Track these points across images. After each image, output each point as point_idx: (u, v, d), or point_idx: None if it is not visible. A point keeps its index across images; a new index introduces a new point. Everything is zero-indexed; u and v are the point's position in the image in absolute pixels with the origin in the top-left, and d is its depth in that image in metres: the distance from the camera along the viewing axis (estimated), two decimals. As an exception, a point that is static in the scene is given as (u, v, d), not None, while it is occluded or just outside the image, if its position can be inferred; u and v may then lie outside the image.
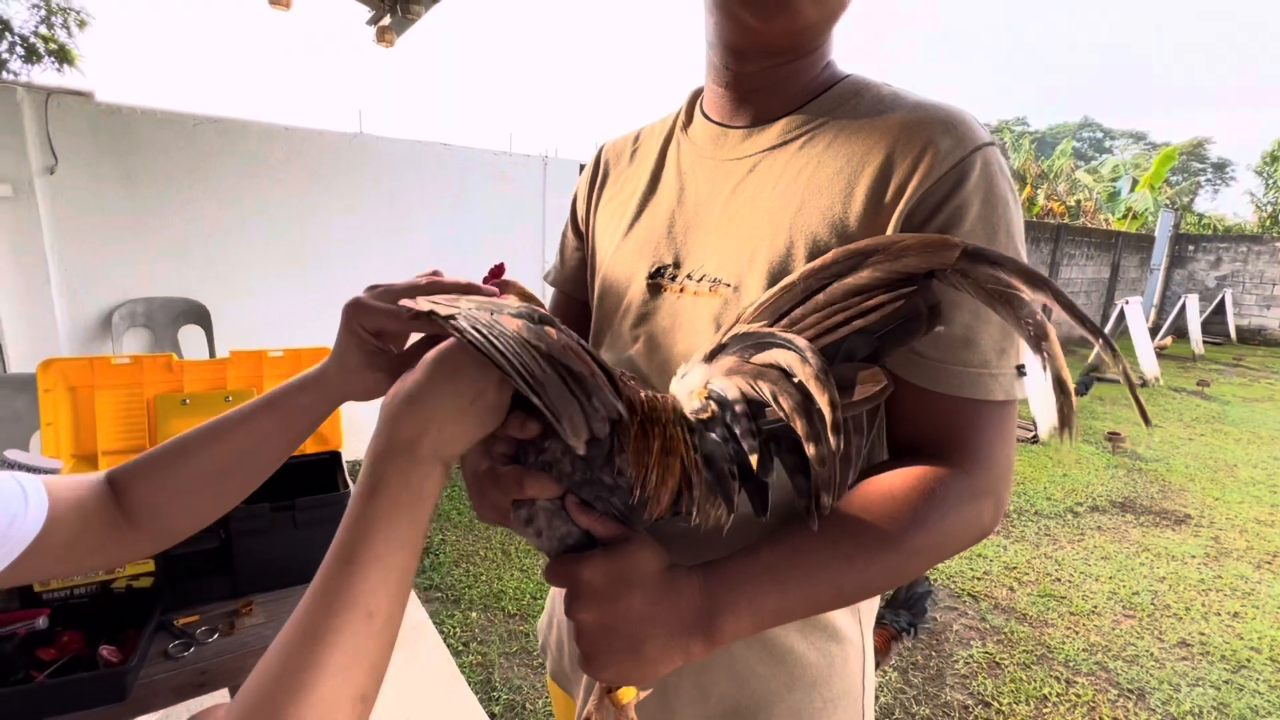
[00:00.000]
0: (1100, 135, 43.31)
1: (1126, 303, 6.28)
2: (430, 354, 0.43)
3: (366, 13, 3.85)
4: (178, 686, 0.86)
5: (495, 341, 0.37)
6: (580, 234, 0.75)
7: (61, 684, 0.77)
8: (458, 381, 0.41)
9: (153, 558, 0.94)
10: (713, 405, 0.43)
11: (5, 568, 0.46)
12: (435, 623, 2.25)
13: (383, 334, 0.52)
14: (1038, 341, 0.37)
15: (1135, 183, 14.66)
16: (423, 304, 0.42)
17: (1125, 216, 14.03)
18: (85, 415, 1.02)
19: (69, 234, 2.93)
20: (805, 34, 0.54)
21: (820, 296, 0.42)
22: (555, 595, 0.78)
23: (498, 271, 0.60)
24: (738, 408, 0.42)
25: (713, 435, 0.42)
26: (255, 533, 0.98)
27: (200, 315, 3.23)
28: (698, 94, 0.66)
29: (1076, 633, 2.43)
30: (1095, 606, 2.61)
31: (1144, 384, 6.81)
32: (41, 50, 8.91)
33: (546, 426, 0.44)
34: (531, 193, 4.15)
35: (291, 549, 1.00)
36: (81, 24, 9.18)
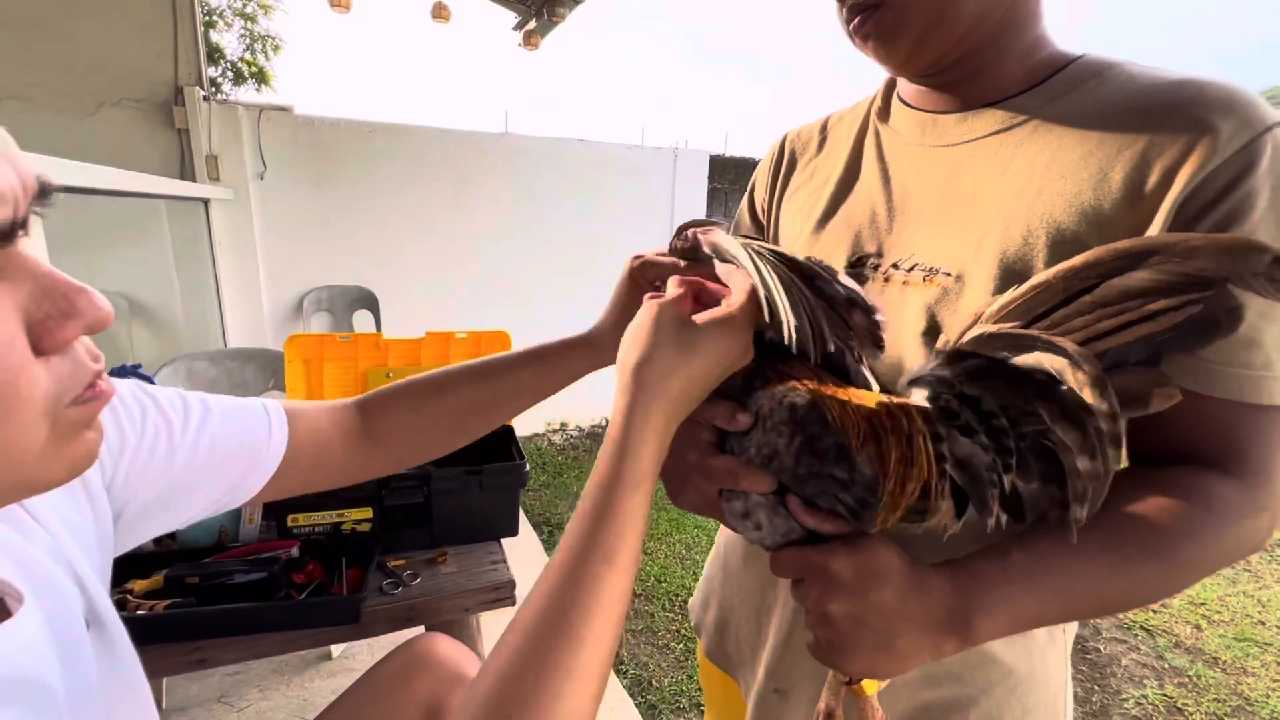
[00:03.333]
0: (1330, 98, 35.58)
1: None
2: (645, 312, 0.44)
3: (514, 19, 4.11)
4: (392, 618, 1.00)
5: (768, 268, 0.41)
6: (759, 223, 0.75)
7: (315, 603, 0.93)
8: (715, 326, 0.43)
9: (371, 507, 1.09)
10: (966, 411, 0.42)
11: (261, 488, 0.53)
12: (570, 593, 2.39)
13: (663, 281, 0.55)
14: None
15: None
16: (703, 232, 0.46)
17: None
18: (316, 382, 1.21)
19: (273, 231, 3.43)
20: (940, 57, 0.52)
21: (1088, 298, 0.39)
22: (712, 575, 0.79)
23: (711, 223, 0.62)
24: (996, 412, 0.40)
25: (968, 440, 0.41)
26: (450, 493, 1.12)
27: (370, 301, 3.65)
28: (892, 83, 0.64)
29: (1287, 687, 2.07)
30: (1314, 660, 2.21)
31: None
32: (245, 74, 10.46)
33: (760, 414, 0.45)
34: (662, 184, 4.22)
35: (479, 508, 1.13)
36: (276, 49, 10.66)
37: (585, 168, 3.99)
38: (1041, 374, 0.39)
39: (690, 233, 0.53)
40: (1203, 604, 2.51)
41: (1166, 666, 2.16)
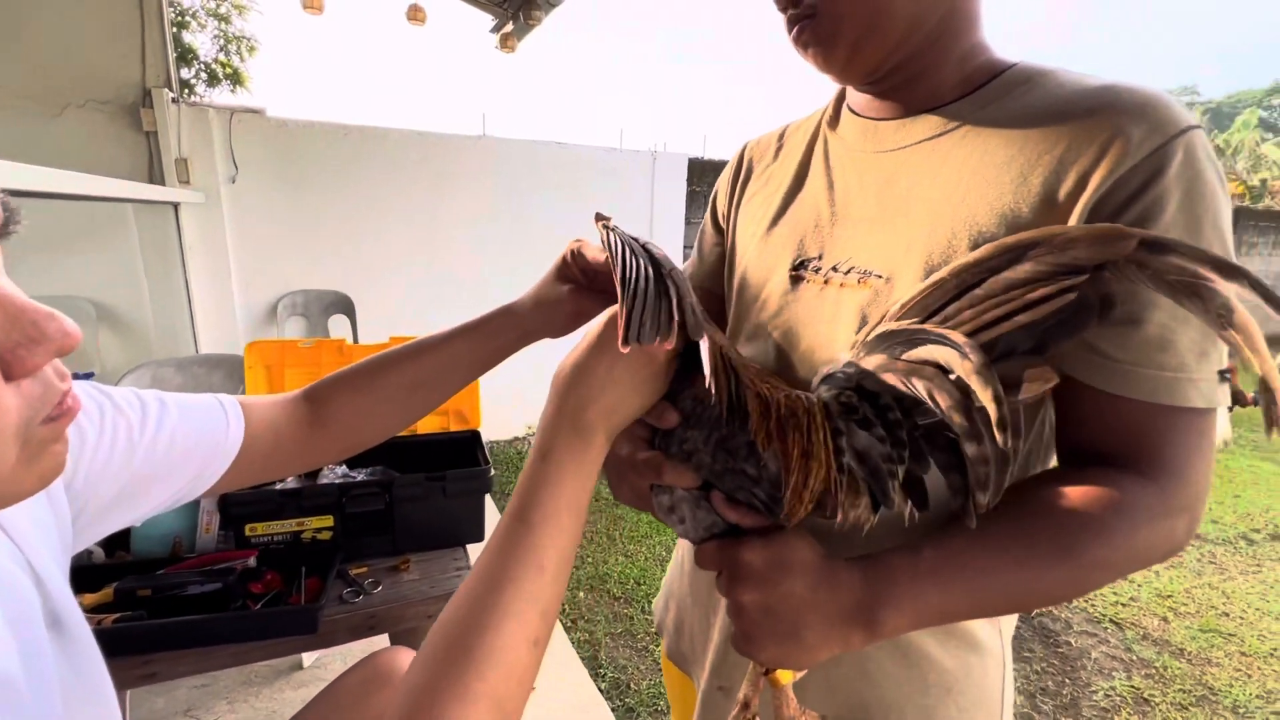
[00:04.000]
0: (1296, 102, 36.61)
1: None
2: (596, 326, 0.46)
3: (490, 21, 4.10)
4: (352, 627, 0.99)
5: (621, 244, 0.41)
6: (720, 229, 0.76)
7: (270, 614, 0.92)
8: (631, 356, 0.43)
9: (331, 515, 1.08)
10: (864, 405, 0.43)
11: (218, 479, 0.56)
12: (547, 597, 2.38)
13: (590, 274, 0.57)
14: (1234, 338, 0.34)
15: (1343, 156, 12.31)
16: (601, 225, 0.47)
17: (1327, 197, 11.82)
18: (277, 389, 1.19)
19: (246, 235, 3.38)
20: (878, 64, 0.53)
21: (977, 292, 0.41)
22: (673, 577, 0.80)
23: None
24: (891, 405, 0.41)
25: (865, 433, 0.42)
26: (412, 499, 1.11)
27: (346, 305, 3.61)
28: (843, 92, 0.66)
29: (1249, 676, 2.12)
30: (1275, 649, 2.26)
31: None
32: (220, 75, 10.30)
33: (686, 417, 0.47)
34: (641, 187, 4.22)
35: (442, 515, 1.13)
36: (251, 50, 10.51)
37: (563, 170, 3.98)
38: (932, 365, 0.40)
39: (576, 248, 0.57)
40: (1170, 596, 2.57)
41: (1134, 658, 2.21)
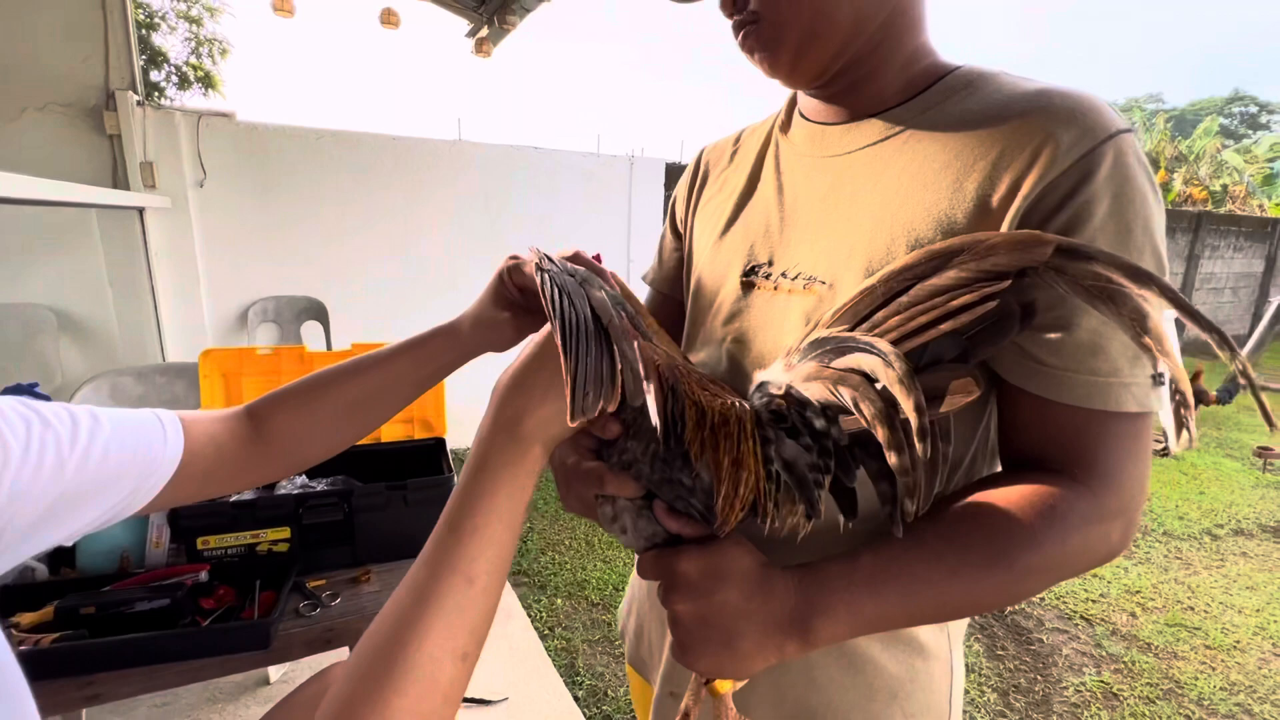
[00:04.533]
0: (1255, 110, 37.90)
1: (1284, 299, 5.48)
2: (538, 337, 0.45)
3: (466, 26, 4.08)
4: (309, 641, 0.96)
5: (558, 293, 0.40)
6: (679, 234, 0.76)
7: (220, 629, 0.89)
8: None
9: (288, 527, 1.06)
10: (793, 412, 0.42)
11: (155, 496, 0.54)
12: (523, 606, 2.36)
13: (525, 290, 0.56)
14: (1145, 340, 0.34)
15: (1299, 162, 12.74)
16: (536, 254, 0.45)
17: (1285, 201, 12.23)
18: (235, 398, 1.16)
19: (214, 240, 3.32)
20: (824, 68, 0.54)
21: (904, 299, 0.41)
22: (635, 583, 0.80)
23: (596, 260, 0.63)
24: (818, 414, 0.41)
25: (793, 442, 0.42)
26: (373, 509, 1.09)
27: (319, 311, 3.55)
28: (795, 97, 0.66)
29: (1213, 669, 2.17)
30: (1238, 641, 2.32)
31: (1306, 393, 5.93)
32: (191, 78, 10.12)
33: (627, 427, 0.46)
34: (618, 191, 4.23)
35: (403, 525, 1.10)
36: (224, 53, 10.35)
37: (540, 175, 3.97)
38: (859, 374, 0.40)
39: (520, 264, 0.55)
40: (1138, 592, 2.62)
41: (1104, 654, 2.24)
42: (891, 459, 0.38)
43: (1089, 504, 0.43)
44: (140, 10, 8.86)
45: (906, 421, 0.37)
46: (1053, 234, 0.37)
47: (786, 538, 0.44)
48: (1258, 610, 2.51)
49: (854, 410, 0.39)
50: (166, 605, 0.88)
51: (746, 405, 0.45)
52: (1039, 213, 0.44)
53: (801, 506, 0.42)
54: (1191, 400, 0.35)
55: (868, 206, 0.52)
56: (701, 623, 0.44)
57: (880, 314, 0.41)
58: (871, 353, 0.39)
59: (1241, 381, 0.34)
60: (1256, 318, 8.54)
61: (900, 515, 0.40)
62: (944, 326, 0.38)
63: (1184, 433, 0.35)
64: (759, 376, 0.48)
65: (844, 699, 0.56)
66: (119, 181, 2.99)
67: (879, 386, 0.38)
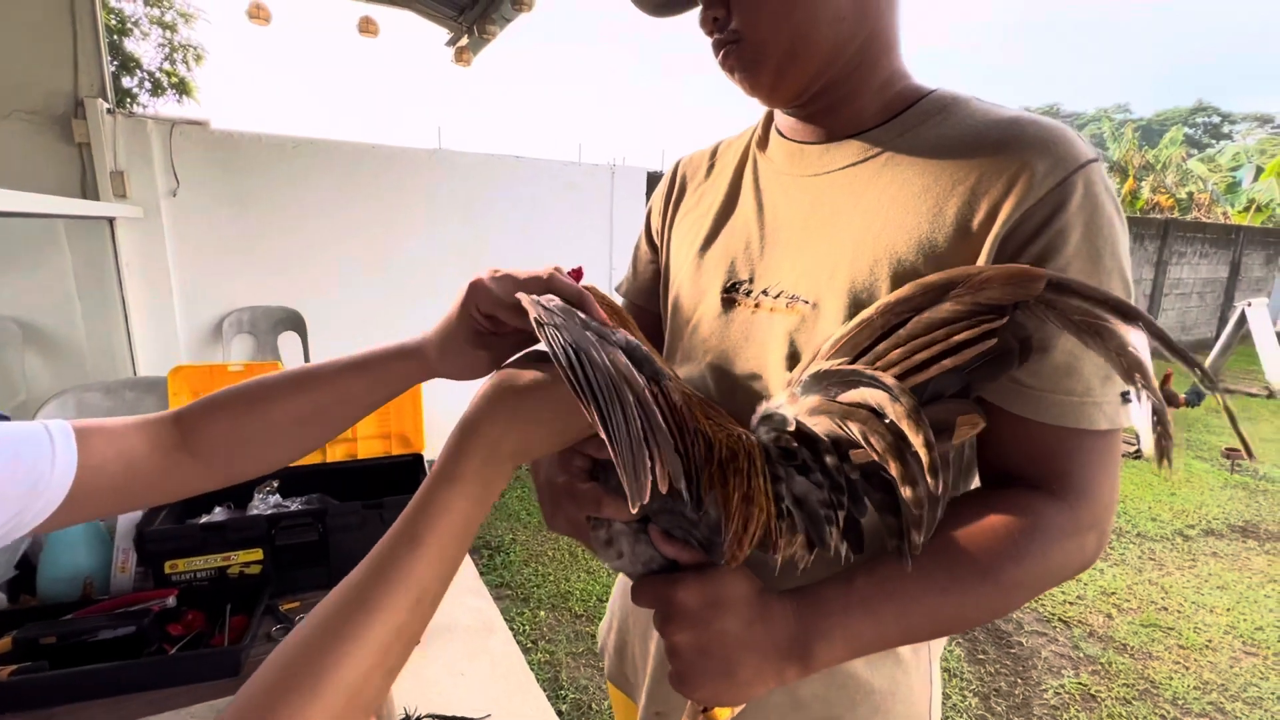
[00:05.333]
0: (1217, 120, 39.20)
1: (1249, 304, 5.64)
2: (523, 355, 0.44)
3: (446, 35, 4.07)
4: (282, 666, 0.94)
5: (582, 370, 0.35)
6: (655, 246, 0.76)
7: (188, 657, 0.86)
8: (557, 393, 0.41)
9: (260, 548, 1.03)
10: (803, 449, 0.43)
11: (48, 517, 0.49)
12: (505, 620, 2.33)
13: (494, 318, 0.51)
14: (1131, 374, 0.36)
15: (1260, 171, 13.18)
16: (529, 304, 0.41)
17: (1248, 209, 12.65)
18: (205, 416, 1.14)
19: (188, 250, 3.25)
20: (803, 88, 0.54)
21: (902, 331, 0.42)
22: (617, 599, 0.80)
23: (576, 275, 0.59)
24: (827, 448, 0.42)
25: (803, 478, 0.42)
26: (348, 528, 1.06)
27: (297, 322, 3.49)
28: (771, 113, 0.66)
29: (1187, 668, 2.21)
30: (1210, 640, 2.37)
31: (1270, 395, 6.11)
32: (165, 84, 9.95)
33: None
34: (599, 201, 4.23)
35: (380, 544, 1.08)
36: (199, 59, 10.19)
37: (521, 184, 3.96)
38: (866, 408, 0.40)
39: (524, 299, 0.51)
40: (1114, 593, 2.67)
41: (1081, 655, 2.28)
42: (906, 493, 0.39)
43: (1067, 518, 0.45)
44: (112, 16, 8.69)
45: (917, 455, 0.38)
46: (1036, 266, 0.39)
47: (782, 566, 0.44)
48: (1228, 609, 2.57)
49: (864, 444, 0.39)
50: (132, 633, 0.85)
51: (753, 438, 0.45)
52: (1016, 239, 0.45)
53: (801, 537, 0.42)
54: (1172, 431, 0.37)
55: (849, 227, 0.53)
56: (701, 652, 0.43)
57: (881, 345, 0.42)
58: (878, 387, 0.40)
59: (1222, 411, 0.36)
60: (1222, 321, 8.81)
61: (909, 548, 0.40)
62: (947, 363, 0.40)
63: (1164, 460, 0.36)
64: (762, 409, 0.48)
65: (827, 713, 0.56)
66: (88, 191, 2.92)
67: (887, 421, 0.39)
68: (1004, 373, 0.40)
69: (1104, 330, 0.37)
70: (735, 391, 0.58)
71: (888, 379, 0.40)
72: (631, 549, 0.46)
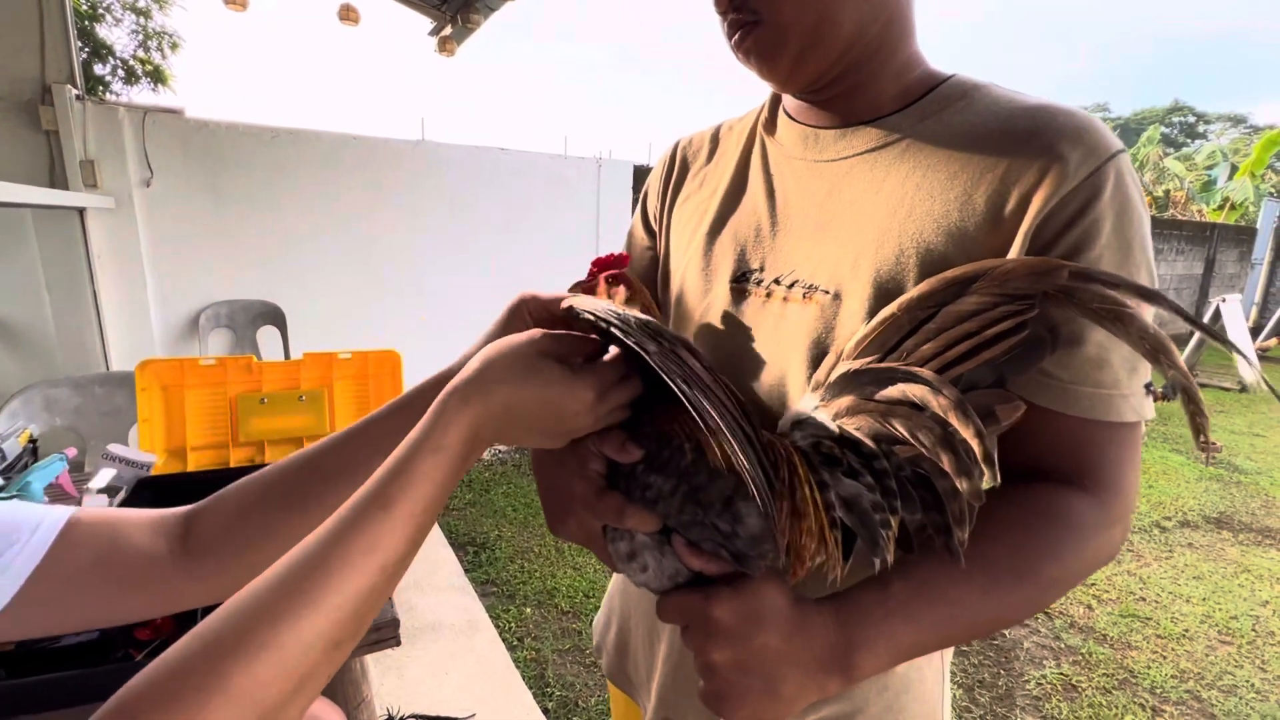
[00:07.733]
0: (1193, 120, 39.97)
1: (1223, 300, 5.76)
2: (534, 333, 0.43)
3: (429, 24, 4.00)
4: (256, 670, 0.91)
5: (684, 383, 0.36)
6: (651, 231, 0.73)
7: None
8: (560, 386, 0.41)
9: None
10: (848, 453, 0.41)
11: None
12: (490, 617, 2.30)
13: (546, 322, 0.50)
14: (1155, 355, 0.36)
15: (1234, 170, 13.47)
16: (599, 308, 0.40)
17: (1222, 207, 12.92)
18: (176, 412, 1.10)
19: (162, 242, 3.17)
20: (821, 74, 0.53)
21: (930, 325, 0.41)
22: (616, 595, 0.76)
23: (621, 261, 0.56)
24: (873, 451, 0.40)
25: (851, 481, 0.41)
26: (326, 527, 1.03)
27: (276, 316, 3.43)
28: (778, 96, 0.64)
29: (1164, 657, 2.25)
30: (1186, 630, 2.41)
31: (1243, 389, 6.25)
32: (139, 72, 9.70)
33: (649, 455, 0.43)
34: (586, 194, 4.19)
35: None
36: (174, 46, 9.94)
37: (506, 177, 3.91)
38: (906, 404, 0.39)
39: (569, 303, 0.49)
40: (1093, 584, 2.71)
41: (1063, 646, 2.31)
42: (961, 484, 0.38)
43: (1098, 511, 0.45)
44: (82, 1, 8.44)
45: (968, 446, 0.37)
46: (1070, 257, 0.40)
47: (812, 574, 0.43)
48: (1204, 599, 2.62)
49: (911, 440, 0.38)
50: (96, 639, 0.82)
51: (788, 443, 0.44)
52: (1050, 228, 0.44)
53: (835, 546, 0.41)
54: (1205, 409, 0.37)
55: (871, 215, 0.50)
56: (742, 670, 0.41)
57: (909, 342, 0.41)
58: (917, 381, 0.39)
59: (1223, 384, 0.36)
60: (1196, 317, 8.98)
61: (957, 543, 0.39)
62: (986, 354, 0.39)
63: (1200, 437, 0.37)
64: (792, 412, 0.46)
65: (842, 710, 0.56)
66: (57, 180, 2.83)
67: (929, 414, 0.38)
68: (1036, 364, 0.41)
69: (1124, 315, 0.37)
70: (749, 382, 0.56)
71: (925, 372, 0.39)
72: (658, 562, 0.44)
